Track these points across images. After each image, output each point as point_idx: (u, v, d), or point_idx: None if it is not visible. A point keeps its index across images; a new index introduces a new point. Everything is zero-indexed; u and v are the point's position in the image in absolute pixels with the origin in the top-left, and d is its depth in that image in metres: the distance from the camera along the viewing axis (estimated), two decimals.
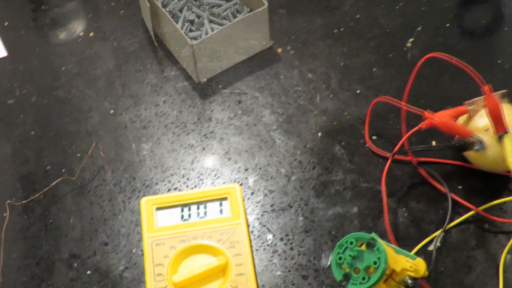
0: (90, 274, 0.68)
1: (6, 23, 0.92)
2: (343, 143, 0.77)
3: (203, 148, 0.78)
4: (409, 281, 0.58)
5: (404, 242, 0.69)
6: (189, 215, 0.70)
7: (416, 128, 0.69)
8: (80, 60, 0.87)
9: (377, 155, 0.76)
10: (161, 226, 0.69)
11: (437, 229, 0.69)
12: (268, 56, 0.86)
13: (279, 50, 0.86)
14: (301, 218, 0.71)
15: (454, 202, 0.71)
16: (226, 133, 0.79)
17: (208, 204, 0.71)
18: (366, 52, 0.85)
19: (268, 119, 0.80)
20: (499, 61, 0.83)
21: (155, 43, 0.88)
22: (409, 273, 0.59)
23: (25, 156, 0.78)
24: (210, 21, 0.86)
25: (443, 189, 0.70)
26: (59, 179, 0.74)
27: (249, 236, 0.69)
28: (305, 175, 0.74)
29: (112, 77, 0.85)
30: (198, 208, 0.71)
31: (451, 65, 0.70)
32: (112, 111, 0.82)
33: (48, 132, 0.80)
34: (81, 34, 0.90)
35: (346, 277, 0.57)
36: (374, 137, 0.77)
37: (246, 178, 0.75)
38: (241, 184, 0.74)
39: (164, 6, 0.87)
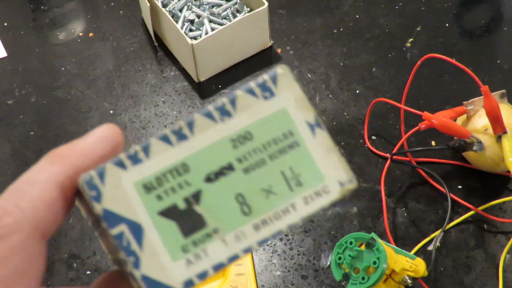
0: (89, 274, 0.68)
1: (5, 23, 0.92)
2: (343, 143, 0.77)
3: None
4: (409, 281, 0.58)
5: (404, 242, 0.69)
6: None
7: (415, 129, 0.69)
8: (80, 60, 0.87)
9: (377, 155, 0.76)
10: None
11: (437, 229, 0.69)
12: (268, 56, 0.86)
13: (279, 50, 0.86)
14: None
15: (454, 202, 0.71)
16: None
17: None
18: (366, 52, 0.85)
19: None
20: (498, 61, 0.83)
21: (155, 43, 0.88)
22: (408, 273, 0.59)
23: (25, 156, 0.78)
24: (210, 21, 0.86)
25: (443, 189, 0.70)
26: None
27: None
28: None
29: (112, 77, 0.85)
30: None
31: (451, 65, 0.70)
32: (111, 112, 0.82)
33: (48, 133, 0.80)
34: (81, 34, 0.90)
35: (346, 277, 0.57)
36: (373, 137, 0.77)
37: None
38: None
39: (164, 6, 0.87)
